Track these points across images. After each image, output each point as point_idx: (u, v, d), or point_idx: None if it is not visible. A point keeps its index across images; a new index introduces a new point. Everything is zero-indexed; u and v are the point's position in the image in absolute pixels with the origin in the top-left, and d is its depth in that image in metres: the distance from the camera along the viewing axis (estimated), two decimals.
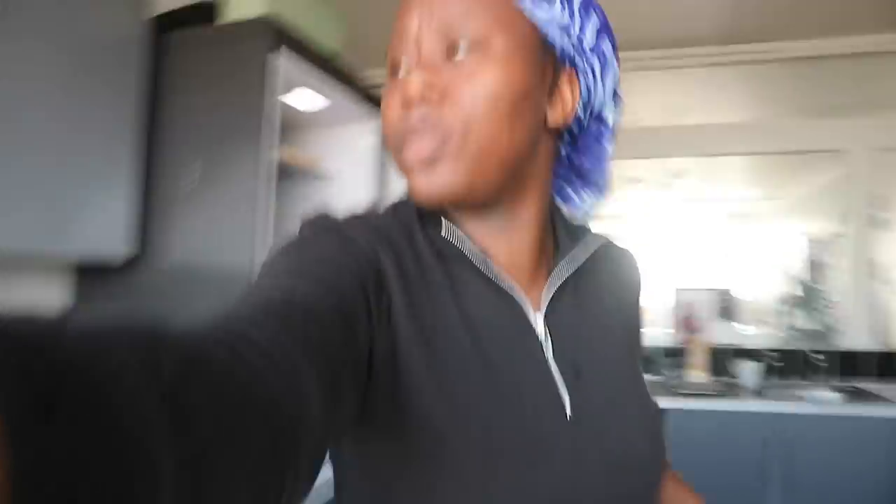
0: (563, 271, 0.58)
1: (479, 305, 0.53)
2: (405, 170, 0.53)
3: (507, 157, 0.52)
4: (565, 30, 0.54)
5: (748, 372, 3.07)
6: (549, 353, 0.54)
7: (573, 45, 0.55)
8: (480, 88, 0.50)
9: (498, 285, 0.54)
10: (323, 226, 0.51)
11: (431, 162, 0.50)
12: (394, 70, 0.54)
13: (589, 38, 0.55)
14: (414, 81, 0.49)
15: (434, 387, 0.48)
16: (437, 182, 0.51)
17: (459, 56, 0.51)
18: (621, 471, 0.53)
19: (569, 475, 0.50)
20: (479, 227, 0.56)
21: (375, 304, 0.47)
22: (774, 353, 3.34)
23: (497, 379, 0.50)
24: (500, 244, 0.57)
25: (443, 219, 0.54)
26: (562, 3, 0.54)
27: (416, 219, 0.55)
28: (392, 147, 0.54)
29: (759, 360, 3.19)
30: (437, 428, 0.47)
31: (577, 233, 0.63)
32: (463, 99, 0.50)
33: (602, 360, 0.58)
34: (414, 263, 0.52)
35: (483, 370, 0.50)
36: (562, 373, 0.54)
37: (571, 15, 0.54)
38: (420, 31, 0.51)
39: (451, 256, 0.54)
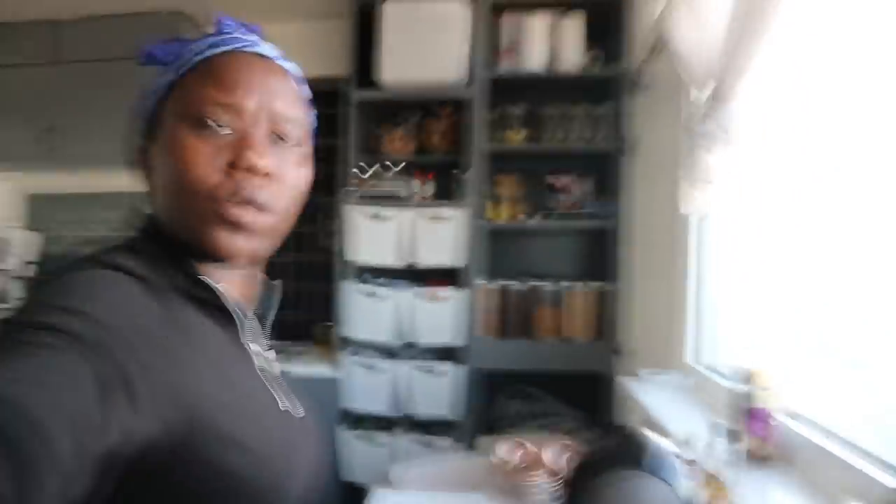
0: (268, 314, 0.73)
1: (216, 336, 0.62)
2: (213, 220, 0.60)
3: (287, 232, 0.68)
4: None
5: None
6: (256, 367, 0.66)
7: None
8: (298, 178, 0.67)
9: (230, 321, 0.64)
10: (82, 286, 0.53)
11: (254, 230, 0.62)
12: (200, 122, 0.60)
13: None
14: (264, 160, 0.61)
15: (227, 405, 0.57)
16: (250, 247, 0.62)
17: (286, 146, 0.65)
18: (316, 438, 0.70)
19: (294, 449, 0.64)
20: (224, 274, 0.65)
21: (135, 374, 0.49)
22: None
23: (246, 390, 0.62)
24: (235, 288, 0.66)
25: (194, 264, 0.62)
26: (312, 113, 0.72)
27: (163, 262, 0.61)
28: (204, 196, 0.59)
29: None
30: (241, 443, 0.56)
31: None
32: (289, 183, 0.65)
33: (273, 370, 0.72)
34: (169, 312, 0.57)
35: (240, 389, 0.61)
36: (266, 380, 0.66)
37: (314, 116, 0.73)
38: (258, 114, 0.62)
39: (198, 299, 0.61)
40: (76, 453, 0.41)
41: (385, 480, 1.46)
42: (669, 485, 0.52)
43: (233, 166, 0.60)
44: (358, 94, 2.67)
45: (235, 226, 0.60)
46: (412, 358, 2.66)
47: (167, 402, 0.50)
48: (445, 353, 2.67)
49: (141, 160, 0.67)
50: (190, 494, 0.53)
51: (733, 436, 1.22)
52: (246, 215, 0.60)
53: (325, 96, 3.07)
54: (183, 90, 0.62)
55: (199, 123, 0.60)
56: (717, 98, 1.34)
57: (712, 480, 0.97)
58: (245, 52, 0.64)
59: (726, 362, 1.64)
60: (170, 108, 0.63)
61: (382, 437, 2.62)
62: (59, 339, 0.45)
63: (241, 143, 0.60)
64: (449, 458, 2.34)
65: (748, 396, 1.22)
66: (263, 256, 0.66)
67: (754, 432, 1.22)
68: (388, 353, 2.72)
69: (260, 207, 0.61)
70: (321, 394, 2.61)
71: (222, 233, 0.60)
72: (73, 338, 0.46)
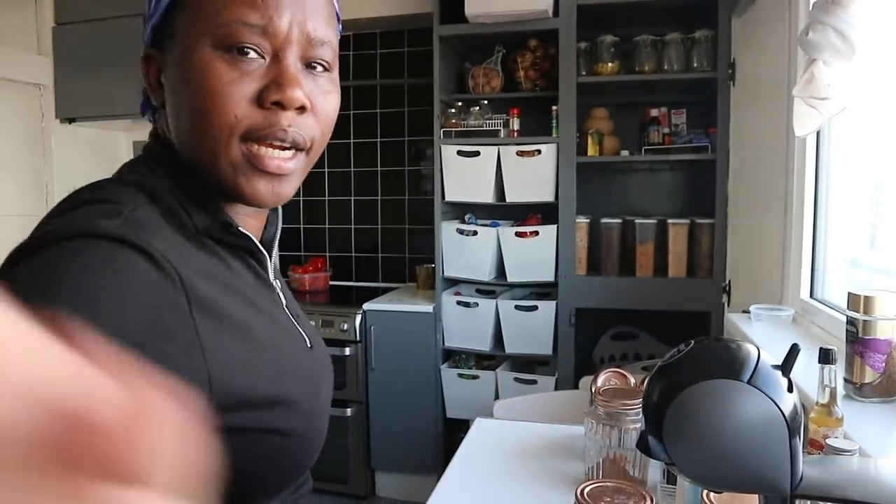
0: (274, 241, 0.67)
1: (245, 280, 0.59)
2: (241, 164, 0.54)
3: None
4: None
5: None
6: (284, 306, 0.65)
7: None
8: (331, 106, 0.58)
9: (257, 264, 0.62)
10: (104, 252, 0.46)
11: (287, 174, 0.56)
12: (224, 44, 0.52)
13: None
14: (300, 92, 0.53)
15: (256, 352, 0.55)
16: (284, 192, 0.57)
17: (318, 72, 0.57)
18: (329, 374, 0.68)
19: (320, 386, 0.63)
20: (240, 210, 0.60)
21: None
22: None
23: (277, 333, 0.60)
24: (252, 224, 0.62)
25: (221, 207, 0.57)
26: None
27: (179, 206, 0.55)
28: (230, 132, 0.53)
29: None
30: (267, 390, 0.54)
31: None
32: (322, 116, 0.57)
33: (293, 301, 0.70)
34: (195, 257, 0.52)
35: (267, 330, 0.58)
36: (292, 317, 0.65)
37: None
38: (290, 35, 0.53)
39: (221, 242, 0.57)
40: None
41: (487, 414, 1.52)
42: (772, 400, 0.50)
43: (263, 97, 0.53)
44: (442, 30, 2.63)
45: (267, 173, 0.54)
46: (511, 297, 2.69)
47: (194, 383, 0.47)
48: (544, 292, 2.68)
49: (148, 71, 0.59)
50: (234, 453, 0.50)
51: (848, 367, 1.16)
52: (278, 160, 0.54)
53: (414, 34, 3.05)
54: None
55: (223, 45, 0.52)
56: (836, 2, 1.21)
57: (821, 409, 0.93)
58: None
59: (843, 294, 1.55)
60: (186, 17, 0.53)
61: (483, 374, 2.69)
62: None
63: (273, 72, 0.53)
64: (550, 395, 2.38)
65: (867, 326, 1.15)
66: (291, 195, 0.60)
67: (872, 365, 1.14)
68: (487, 291, 2.77)
69: (294, 146, 0.55)
70: (421, 332, 2.70)
71: (251, 179, 0.54)
72: None
